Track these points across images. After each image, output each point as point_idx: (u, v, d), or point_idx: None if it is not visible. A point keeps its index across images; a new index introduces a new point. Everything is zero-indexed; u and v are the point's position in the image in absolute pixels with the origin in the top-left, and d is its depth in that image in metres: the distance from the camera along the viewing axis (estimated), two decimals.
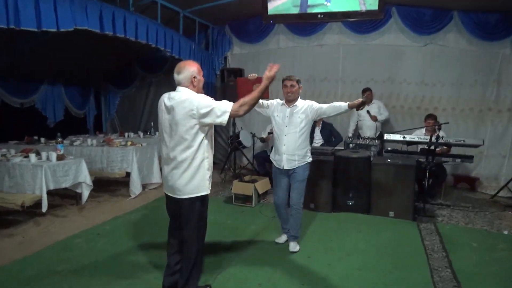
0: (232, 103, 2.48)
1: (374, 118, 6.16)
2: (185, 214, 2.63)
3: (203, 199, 2.66)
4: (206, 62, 7.53)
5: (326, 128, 6.31)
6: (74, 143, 6.09)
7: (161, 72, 8.42)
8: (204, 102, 2.47)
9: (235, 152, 7.09)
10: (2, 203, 4.24)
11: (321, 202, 4.85)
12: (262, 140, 6.89)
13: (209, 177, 2.68)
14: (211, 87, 7.77)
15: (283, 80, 3.47)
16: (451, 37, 6.16)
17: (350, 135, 6.50)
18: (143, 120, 9.01)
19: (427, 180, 4.84)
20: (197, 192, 2.59)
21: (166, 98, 2.62)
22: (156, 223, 4.39)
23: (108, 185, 6.16)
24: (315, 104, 3.46)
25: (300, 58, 7.21)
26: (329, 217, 4.70)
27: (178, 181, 2.57)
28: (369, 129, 6.30)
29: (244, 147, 7.20)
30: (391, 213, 4.55)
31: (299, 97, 3.51)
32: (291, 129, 3.44)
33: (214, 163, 8.04)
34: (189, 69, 2.59)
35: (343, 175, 4.77)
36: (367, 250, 3.66)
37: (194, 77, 2.59)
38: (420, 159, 5.02)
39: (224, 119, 2.44)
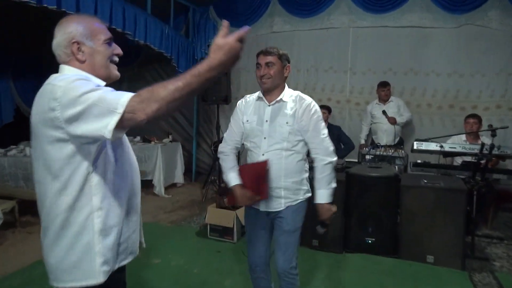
0: (131, 95, 1.11)
1: (393, 121, 4.78)
2: None
3: None
4: (185, 50, 6.14)
5: (332, 132, 4.88)
6: (9, 153, 4.73)
7: (134, 65, 7.05)
8: (75, 91, 1.13)
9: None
10: None
11: (329, 238, 3.47)
12: None
13: (111, 247, 1.32)
14: None
15: (256, 56, 2.05)
16: (494, 16, 4.75)
17: (363, 141, 5.12)
18: None
19: (474, 206, 3.46)
20: (80, 280, 1.27)
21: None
22: None
23: None
24: (315, 115, 2.05)
25: (299, 44, 5.83)
26: (339, 261, 3.32)
27: (48, 255, 1.30)
28: (386, 134, 4.92)
29: None
30: (430, 258, 3.16)
31: (286, 85, 2.12)
32: (274, 141, 2.04)
33: (198, 173, 6.72)
34: (67, 28, 1.31)
35: (359, 201, 3.38)
36: None
37: (75, 42, 1.30)
38: (460, 176, 3.68)
39: (107, 128, 1.08)
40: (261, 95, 2.10)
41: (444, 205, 3.11)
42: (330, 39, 5.64)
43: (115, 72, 1.43)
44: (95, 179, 1.26)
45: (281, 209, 2.08)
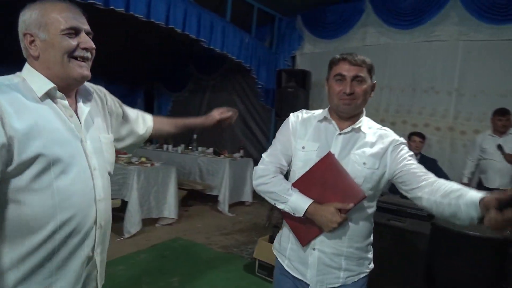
0: None
1: (511, 158, 3.71)
2: None
3: None
4: (266, 61, 5.80)
5: (426, 165, 4.00)
6: None
7: (217, 74, 6.95)
8: None
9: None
10: None
11: None
12: None
13: None
14: (273, 95, 5.97)
15: (335, 62, 1.41)
16: None
17: (466, 180, 4.10)
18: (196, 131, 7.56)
19: None
20: None
21: None
22: None
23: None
24: (404, 149, 1.42)
25: (395, 59, 5.02)
26: None
27: None
28: (499, 175, 3.83)
29: None
30: None
31: (364, 112, 1.48)
32: None
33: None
34: (22, 17, 1.06)
35: (447, 265, 2.53)
36: None
37: (28, 34, 1.05)
38: None
39: None
40: (328, 115, 1.46)
41: None
42: (433, 54, 4.74)
43: (78, 70, 1.08)
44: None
45: (337, 285, 1.42)
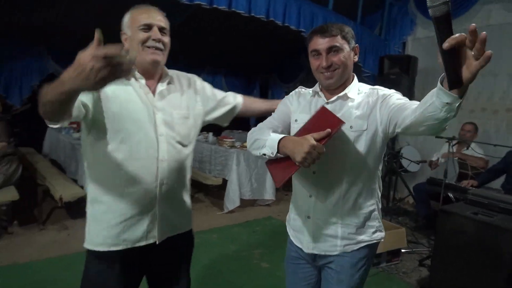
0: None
1: None
2: None
3: (94, 256, 1.41)
4: (374, 49, 5.58)
5: None
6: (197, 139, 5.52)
7: None
8: None
9: (395, 177, 4.91)
10: None
11: None
12: (430, 164, 4.52)
13: (99, 220, 1.40)
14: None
15: (309, 39, 1.40)
16: None
17: None
18: None
19: None
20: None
21: None
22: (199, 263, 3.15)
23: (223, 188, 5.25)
24: (393, 96, 1.34)
25: None
26: None
27: None
28: None
29: (407, 171, 4.96)
30: None
31: (355, 78, 1.46)
32: (333, 155, 1.34)
33: None
34: (123, 20, 1.43)
35: None
36: None
37: (123, 33, 1.42)
38: None
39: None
40: (318, 89, 1.48)
41: None
42: None
43: (149, 56, 1.38)
44: (90, 156, 1.40)
45: (335, 253, 1.43)
